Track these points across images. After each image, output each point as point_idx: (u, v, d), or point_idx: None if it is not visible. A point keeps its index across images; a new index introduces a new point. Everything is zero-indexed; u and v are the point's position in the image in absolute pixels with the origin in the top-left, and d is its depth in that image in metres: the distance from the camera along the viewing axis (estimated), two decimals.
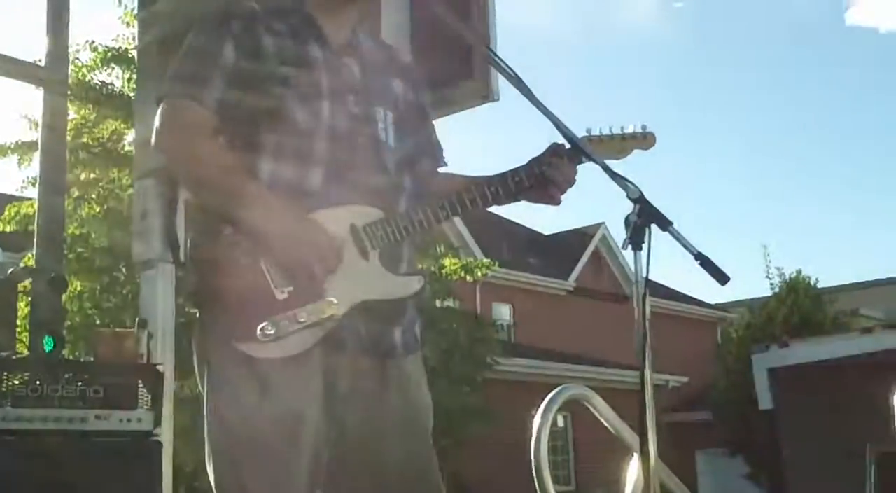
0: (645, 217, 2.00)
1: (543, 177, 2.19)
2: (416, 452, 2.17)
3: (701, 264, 1.97)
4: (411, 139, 2.31)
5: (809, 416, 9.41)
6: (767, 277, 21.60)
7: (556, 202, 2.24)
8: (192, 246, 2.05)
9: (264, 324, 1.98)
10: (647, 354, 2.01)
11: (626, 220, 2.02)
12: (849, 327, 17.62)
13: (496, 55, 2.23)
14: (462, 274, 13.20)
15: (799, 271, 21.23)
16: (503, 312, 22.33)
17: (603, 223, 25.51)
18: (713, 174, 49.54)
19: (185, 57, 2.15)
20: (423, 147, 2.36)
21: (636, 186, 2.03)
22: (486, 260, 14.29)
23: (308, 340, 2.02)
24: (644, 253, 2.01)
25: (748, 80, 46.95)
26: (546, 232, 27.57)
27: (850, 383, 8.77)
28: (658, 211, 2.01)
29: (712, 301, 29.31)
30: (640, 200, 2.01)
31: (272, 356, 2.00)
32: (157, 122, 2.11)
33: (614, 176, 2.06)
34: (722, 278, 1.97)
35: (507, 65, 2.16)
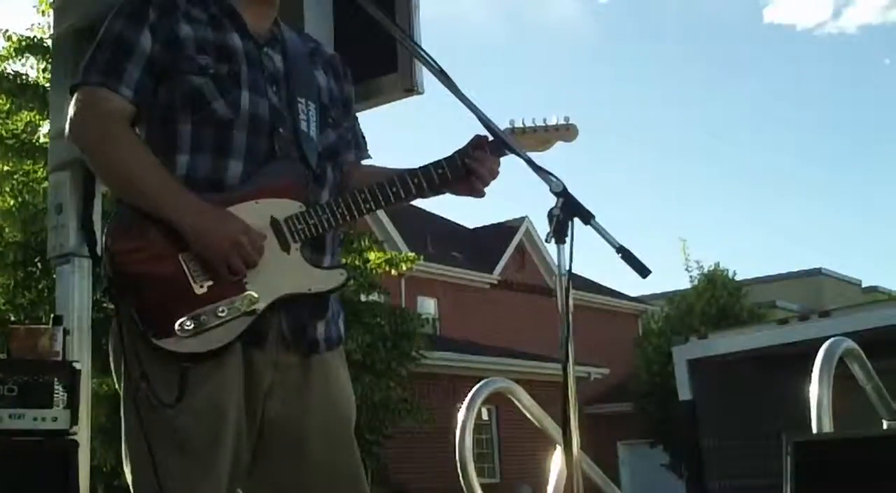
0: (567, 211, 2.00)
1: (467, 169, 2.18)
2: (341, 448, 2.15)
3: (623, 258, 1.98)
4: (334, 131, 2.28)
5: (728, 406, 9.59)
6: (686, 270, 22.03)
7: (480, 194, 2.23)
8: (108, 239, 2.00)
9: (183, 319, 1.94)
10: (569, 347, 2.01)
11: (549, 213, 2.01)
12: (766, 318, 18.02)
13: (420, 48, 2.22)
14: (386, 268, 13.20)
15: (717, 264, 21.70)
16: (428, 305, 22.36)
17: (526, 217, 25.74)
18: (633, 170, 50.23)
19: (101, 45, 2.10)
20: (346, 139, 2.34)
21: (559, 180, 2.03)
22: (410, 254, 14.30)
23: (229, 335, 1.98)
24: (567, 246, 2.01)
25: (668, 77, 47.68)
26: (470, 226, 27.70)
27: (768, 373, 8.95)
28: (580, 205, 2.01)
29: (633, 294, 29.80)
30: (562, 194, 2.01)
31: (192, 352, 1.96)
32: (70, 111, 2.05)
33: (537, 169, 2.06)
34: (643, 270, 1.99)
35: (430, 58, 2.14)
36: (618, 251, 1.98)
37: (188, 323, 1.94)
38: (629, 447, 23.81)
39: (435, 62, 2.13)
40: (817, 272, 32.15)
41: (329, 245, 2.19)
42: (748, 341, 9.70)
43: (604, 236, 1.99)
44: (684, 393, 10.25)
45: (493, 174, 2.21)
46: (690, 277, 21.92)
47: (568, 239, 2.01)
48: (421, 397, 13.53)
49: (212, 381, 1.99)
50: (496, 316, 23.19)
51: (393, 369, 12.87)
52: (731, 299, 20.67)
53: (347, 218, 2.13)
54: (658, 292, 28.47)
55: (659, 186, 50.90)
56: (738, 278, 22.09)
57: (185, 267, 1.96)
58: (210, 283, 1.97)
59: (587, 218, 2.00)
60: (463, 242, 25.41)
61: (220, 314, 1.96)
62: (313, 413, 2.12)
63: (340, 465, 2.15)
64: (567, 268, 2.02)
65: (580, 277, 26.61)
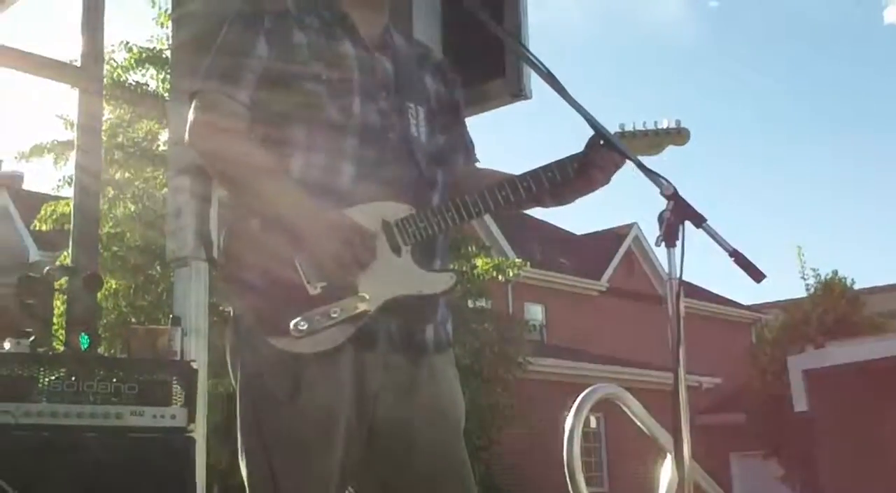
0: (678, 214, 1.97)
1: (584, 163, 2.16)
2: (448, 447, 2.16)
3: (736, 262, 1.95)
4: (443, 136, 2.30)
5: (844, 418, 9.30)
6: (802, 277, 21.39)
7: (599, 184, 2.18)
8: (225, 241, 2.06)
9: (297, 320, 1.98)
10: (680, 353, 1.98)
11: (660, 217, 1.99)
12: (886, 328, 17.42)
13: (528, 51, 2.22)
14: (494, 274, 13.21)
15: (835, 272, 21.02)
16: (535, 312, 22.29)
17: (635, 224, 25.44)
18: (747, 174, 49.12)
19: (218, 52, 2.16)
20: (455, 144, 2.35)
21: (669, 183, 2.00)
22: (518, 260, 14.29)
23: (340, 336, 2.02)
24: (678, 250, 1.99)
25: (784, 79, 46.54)
26: (578, 232, 27.50)
27: (886, 384, 8.66)
28: (692, 208, 1.98)
29: (746, 302, 29.11)
30: (673, 197, 1.98)
31: (304, 352, 2.00)
32: (190, 117, 2.12)
33: (647, 172, 2.04)
34: (757, 275, 1.95)
35: (539, 61, 2.14)
36: (731, 255, 1.94)
37: (302, 324, 1.99)
38: (742, 459, 23.23)
39: (543, 65, 2.12)
40: None
41: (439, 249, 2.20)
42: (867, 352, 9.40)
43: (716, 240, 1.96)
44: (800, 404, 10.00)
45: (613, 164, 2.17)
46: (806, 285, 21.28)
47: (679, 243, 1.98)
48: (528, 404, 13.48)
49: (324, 381, 2.03)
50: (604, 324, 22.97)
51: (500, 375, 12.87)
52: (849, 308, 19.99)
53: (457, 221, 2.14)
54: (772, 300, 27.77)
55: (773, 190, 49.72)
56: (858, 286, 21.37)
57: (299, 268, 2.01)
58: (323, 284, 2.01)
59: (699, 221, 1.97)
60: (571, 248, 25.26)
61: (332, 315, 2.00)
62: (422, 415, 2.13)
63: (449, 467, 2.16)
64: (678, 272, 2.00)
65: (691, 284, 26.14)
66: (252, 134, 2.12)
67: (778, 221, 48.43)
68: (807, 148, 48.68)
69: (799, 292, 21.79)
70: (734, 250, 1.94)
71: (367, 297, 2.04)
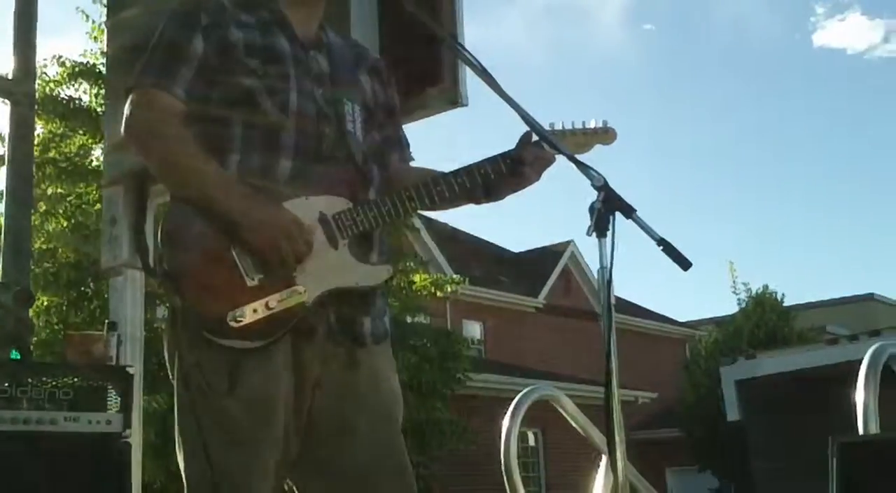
0: (609, 205, 2.03)
1: (516, 160, 2.21)
2: (387, 438, 2.18)
3: (664, 250, 2.00)
4: (379, 134, 2.34)
5: (777, 427, 9.48)
6: (734, 292, 21.76)
7: (530, 180, 2.24)
8: (162, 233, 2.07)
9: (234, 312, 2.00)
10: (612, 338, 2.03)
11: (591, 207, 2.04)
12: (814, 342, 17.78)
13: (464, 48, 2.27)
14: (432, 290, 13.25)
15: (765, 287, 21.42)
16: (474, 328, 22.34)
17: (572, 241, 25.64)
18: (678, 191, 49.94)
19: (154, 48, 2.18)
20: (390, 141, 2.39)
21: (600, 174, 2.06)
22: (456, 277, 14.34)
23: (279, 327, 2.04)
24: (608, 240, 2.04)
25: (719, 98, 47.44)
26: (515, 250, 27.69)
27: (817, 393, 8.84)
28: (622, 199, 2.03)
29: (681, 319, 29.54)
30: (604, 188, 2.04)
31: (241, 345, 2.02)
32: (126, 110, 2.13)
33: (579, 165, 2.10)
34: (684, 263, 2.01)
35: (473, 57, 2.19)
36: (658, 244, 2.00)
37: (239, 316, 2.00)
38: (678, 473, 23.50)
39: (478, 61, 2.18)
40: (869, 298, 31.64)
41: (376, 242, 2.23)
42: (798, 361, 9.60)
43: (645, 230, 2.02)
44: (732, 414, 10.16)
45: (544, 161, 2.23)
46: (738, 299, 21.67)
47: (609, 232, 2.04)
48: (466, 419, 13.51)
49: (262, 372, 2.05)
50: (542, 340, 23.11)
51: (438, 390, 12.89)
52: (780, 322, 20.40)
53: (393, 216, 2.18)
54: (706, 317, 28.24)
55: (705, 208, 50.56)
56: (788, 302, 21.80)
57: (237, 260, 2.02)
58: (261, 276, 2.03)
59: (629, 212, 2.03)
60: (508, 266, 25.40)
61: (270, 307, 2.02)
62: (360, 405, 2.15)
63: (387, 456, 2.18)
64: (609, 262, 2.05)
65: (627, 301, 26.48)
66: (188, 129, 2.13)
67: (710, 238, 49.26)
68: (739, 167, 49.67)
69: (732, 308, 22.18)
70: (661, 238, 2.00)
71: (305, 289, 2.06)
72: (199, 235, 2.04)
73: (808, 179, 51.26)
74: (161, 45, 2.18)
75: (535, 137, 2.22)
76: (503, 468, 3.74)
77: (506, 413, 3.88)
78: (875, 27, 55.03)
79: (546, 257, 26.01)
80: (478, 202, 2.33)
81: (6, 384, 3.13)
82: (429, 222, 19.18)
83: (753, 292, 21.45)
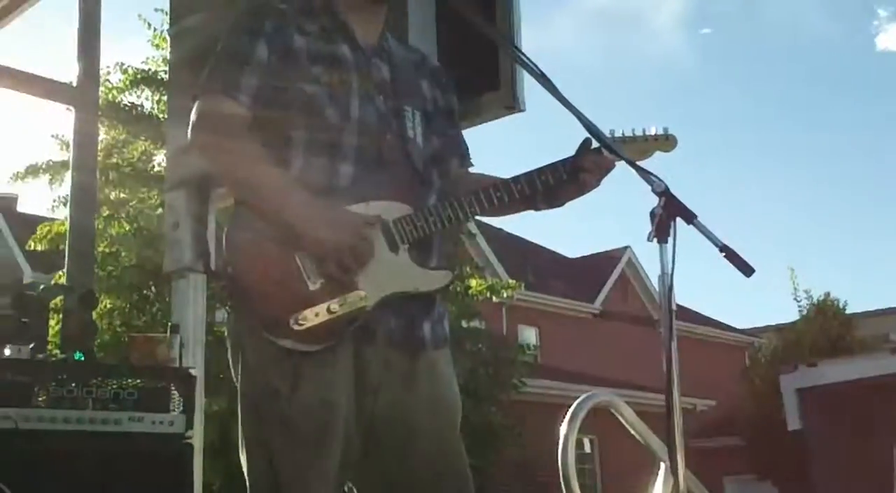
0: (669, 210, 2.02)
1: (574, 167, 2.21)
2: (447, 441, 2.20)
3: (726, 257, 1.99)
4: (439, 139, 2.35)
5: (838, 436, 9.32)
6: (795, 299, 21.45)
7: (590, 187, 2.24)
8: (225, 239, 2.11)
9: (297, 315, 2.03)
10: (672, 346, 2.02)
11: (651, 213, 2.03)
12: (877, 351, 17.44)
13: (521, 53, 2.27)
14: (488, 295, 13.22)
15: (827, 294, 21.07)
16: (529, 334, 22.29)
17: (629, 246, 25.49)
18: (742, 197, 49.29)
19: (220, 56, 2.21)
20: (450, 147, 2.41)
21: (661, 180, 2.05)
22: (511, 281, 14.31)
23: (339, 331, 2.06)
24: (669, 246, 2.03)
25: (779, 102, 46.79)
26: (571, 255, 27.56)
27: (879, 402, 8.69)
28: (683, 204, 2.02)
29: (741, 326, 29.17)
30: (664, 194, 2.03)
31: (304, 348, 2.04)
32: (192, 117, 2.17)
33: (639, 170, 2.09)
34: (747, 270, 1.99)
35: (532, 62, 2.20)
36: (721, 250, 1.99)
37: (301, 319, 2.03)
38: (737, 483, 23.18)
39: (536, 66, 2.18)
40: None
41: (435, 247, 2.25)
42: (860, 369, 9.44)
43: (707, 236, 2.00)
44: (793, 423, 10.01)
45: (605, 168, 2.23)
46: (799, 307, 21.35)
47: (670, 239, 2.03)
48: (520, 425, 13.47)
49: (323, 376, 2.07)
50: (598, 346, 22.96)
51: (494, 396, 12.88)
52: (842, 330, 20.06)
53: (453, 221, 2.19)
54: (766, 324, 27.84)
55: (766, 214, 49.88)
56: (850, 310, 21.43)
57: (299, 264, 2.05)
58: (322, 280, 2.05)
59: (690, 218, 2.02)
60: (564, 271, 25.30)
61: (332, 311, 2.04)
62: (421, 410, 2.17)
63: (447, 461, 2.19)
64: (670, 268, 2.04)
65: (686, 308, 26.21)
66: (253, 135, 2.17)
67: (771, 244, 48.57)
68: (801, 172, 48.92)
69: (792, 315, 21.86)
70: (724, 245, 1.99)
71: (366, 293, 2.08)
72: (264, 239, 2.07)
73: (871, 184, 50.32)
74: (226, 52, 2.22)
75: (594, 144, 2.22)
76: (561, 475, 3.72)
77: (562, 419, 3.87)
78: None
79: (602, 262, 25.86)
80: (537, 209, 2.34)
81: (72, 385, 3.19)
82: (484, 228, 19.18)
83: (815, 299, 21.14)
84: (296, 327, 2.02)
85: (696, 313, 27.12)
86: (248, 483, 2.11)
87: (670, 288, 2.04)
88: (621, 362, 21.98)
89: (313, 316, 2.03)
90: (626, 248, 25.58)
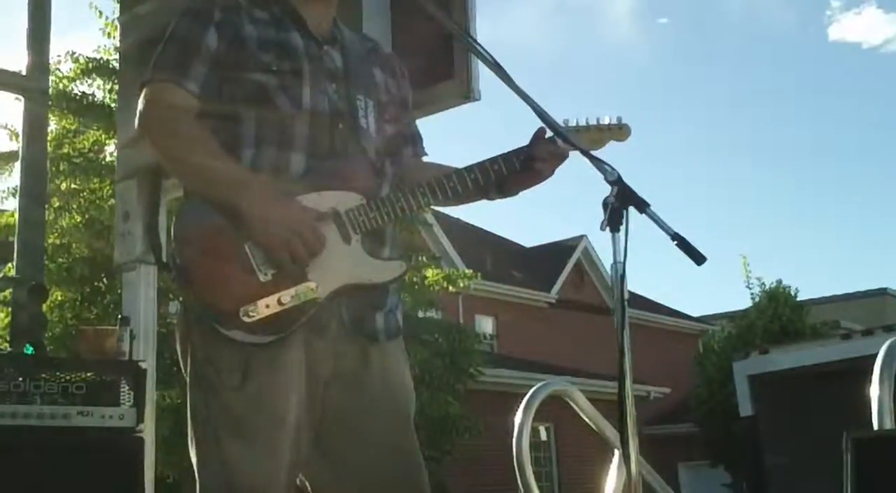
0: (622, 199, 2.02)
1: (529, 156, 2.20)
2: (399, 434, 2.19)
3: (678, 245, 1.99)
4: (392, 127, 2.34)
5: (790, 422, 9.43)
6: (747, 286, 21.65)
7: (544, 176, 2.23)
8: (175, 228, 2.07)
9: (247, 307, 2.00)
10: (625, 334, 2.03)
11: (604, 202, 2.03)
12: (828, 337, 17.67)
13: (476, 42, 2.25)
14: (444, 285, 13.23)
15: (779, 281, 21.30)
16: (486, 324, 22.35)
17: (584, 236, 25.62)
18: (694, 186, 49.80)
19: (168, 44, 2.18)
20: (403, 136, 2.39)
21: (614, 169, 2.04)
22: (468, 271, 14.32)
23: (290, 323, 2.04)
24: (622, 235, 2.03)
25: (732, 92, 47.26)
26: (527, 245, 27.66)
27: (831, 388, 8.80)
28: (635, 193, 2.02)
29: (694, 314, 29.48)
30: (617, 183, 2.03)
31: (254, 340, 2.02)
32: (139, 105, 2.13)
33: (592, 159, 2.09)
34: (699, 258, 1.99)
35: (485, 51, 2.18)
36: (673, 238, 1.98)
37: (252, 311, 2.00)
38: (690, 469, 23.47)
39: (490, 56, 2.17)
40: (882, 292, 31.50)
41: (388, 238, 2.23)
42: (811, 356, 9.53)
43: (659, 224, 2.00)
44: (745, 409, 10.09)
45: (557, 156, 2.22)
46: (751, 294, 21.54)
47: (623, 227, 2.03)
48: (477, 415, 13.51)
49: (273, 368, 2.05)
50: (554, 335, 23.09)
51: (450, 385, 12.89)
52: (793, 317, 20.30)
53: (406, 211, 2.17)
54: (719, 311, 28.16)
55: (719, 202, 50.41)
56: (802, 297, 21.69)
57: (249, 255, 2.02)
58: (273, 271, 2.03)
59: (642, 206, 2.02)
60: (520, 260, 25.39)
61: (282, 302, 2.02)
62: (373, 401, 2.16)
63: (401, 453, 2.18)
64: (622, 256, 2.04)
65: (641, 296, 26.44)
66: (201, 124, 2.14)
67: (724, 233, 49.13)
68: (754, 161, 49.50)
69: (745, 303, 22.08)
70: (676, 233, 1.98)
71: (318, 285, 2.06)
72: (213, 230, 2.04)
73: (822, 173, 51.10)
74: (174, 40, 2.18)
75: (548, 133, 2.21)
76: (515, 463, 3.73)
77: (518, 408, 3.88)
78: (891, 21, 54.77)
79: (558, 251, 25.98)
80: (490, 198, 2.33)
81: (19, 379, 3.15)
82: (441, 217, 19.18)
83: (767, 286, 21.36)
84: (246, 319, 1.99)
85: (650, 301, 27.37)
86: (197, 478, 2.08)
87: (622, 276, 2.04)
88: (578, 351, 22.12)
89: (264, 308, 2.00)
90: (581, 237, 25.71)
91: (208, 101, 2.13)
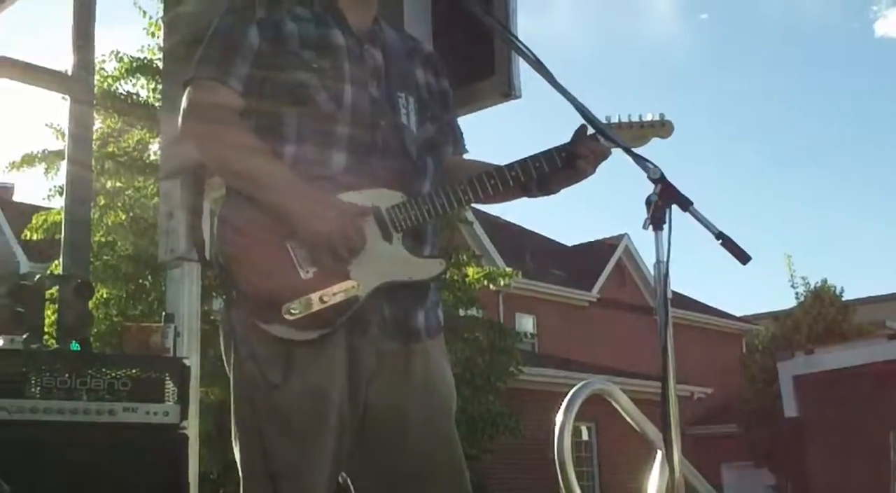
0: (665, 197, 2.00)
1: (570, 154, 2.19)
2: (440, 431, 2.18)
3: (722, 244, 1.97)
4: (433, 125, 2.33)
5: (835, 423, 9.32)
6: (792, 286, 21.45)
7: (585, 174, 2.22)
8: (217, 227, 2.08)
9: (289, 304, 2.01)
10: (668, 332, 2.01)
11: (647, 200, 2.01)
12: (874, 337, 17.43)
13: (517, 39, 2.25)
14: (485, 283, 13.21)
15: (824, 281, 21.07)
16: (526, 322, 22.30)
17: (626, 234, 25.48)
18: (738, 183, 49.30)
19: (211, 41, 2.19)
20: (444, 133, 2.38)
21: (656, 167, 2.03)
22: (509, 270, 14.30)
23: (332, 320, 2.04)
24: (665, 233, 2.01)
25: (776, 89, 46.75)
26: (569, 243, 27.56)
27: (876, 389, 8.69)
28: (678, 191, 2.00)
29: (738, 313, 29.19)
30: (660, 181, 2.01)
31: (296, 337, 2.03)
32: (183, 103, 2.14)
33: (635, 157, 2.07)
34: (743, 257, 1.97)
35: (527, 48, 2.17)
36: (717, 238, 1.97)
37: (294, 308, 2.01)
38: (734, 469, 23.25)
39: (532, 53, 2.16)
40: None
41: (429, 235, 2.23)
42: (857, 356, 9.43)
43: (703, 223, 1.99)
44: (790, 410, 10.01)
45: (600, 154, 2.20)
46: (796, 293, 21.36)
47: (666, 226, 2.01)
48: (518, 413, 13.49)
49: (315, 365, 2.05)
50: (595, 334, 22.99)
51: (491, 384, 12.88)
52: (839, 316, 20.07)
53: (447, 208, 2.17)
54: (764, 311, 27.87)
55: (764, 200, 49.87)
56: (847, 297, 21.44)
57: (291, 253, 2.03)
58: (315, 269, 2.03)
59: (686, 205, 2.00)
60: (562, 259, 25.29)
61: (324, 300, 2.03)
62: (415, 400, 2.16)
63: (442, 450, 2.18)
64: (665, 255, 2.03)
65: (683, 295, 26.24)
66: (245, 121, 2.15)
67: (768, 231, 48.60)
68: (799, 159, 48.90)
69: (789, 302, 21.87)
70: (720, 232, 1.97)
71: (359, 282, 2.06)
72: (255, 227, 2.05)
73: (868, 170, 50.35)
74: (217, 38, 2.19)
75: (590, 130, 2.20)
76: (556, 462, 3.71)
77: (559, 407, 3.86)
78: None
79: (600, 250, 25.86)
80: (532, 196, 2.32)
81: (66, 376, 3.18)
82: (482, 215, 19.16)
83: (812, 286, 21.14)
84: (287, 317, 2.00)
85: (694, 300, 27.14)
86: (240, 474, 2.09)
87: (666, 275, 2.02)
88: (618, 350, 22.01)
89: (306, 305, 2.01)
90: (623, 235, 25.56)
91: (251, 99, 2.14)
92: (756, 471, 20.42)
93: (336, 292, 2.04)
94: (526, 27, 3.62)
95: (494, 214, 21.38)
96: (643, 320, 22.62)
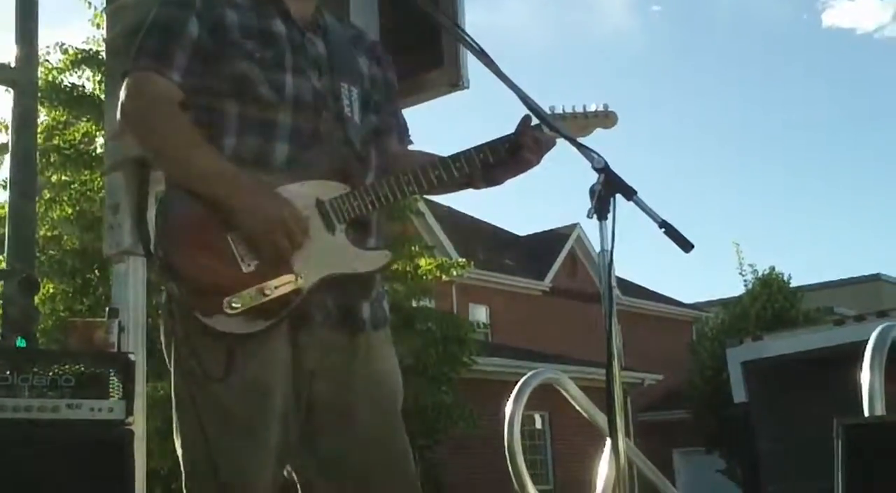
0: (609, 187, 2.01)
1: (515, 144, 2.18)
2: (386, 423, 2.17)
3: (665, 233, 1.98)
4: (376, 116, 2.32)
5: (784, 408, 9.44)
6: (740, 273, 21.70)
7: (530, 165, 2.21)
8: (158, 219, 2.05)
9: (230, 298, 1.98)
10: (613, 322, 2.02)
11: (591, 190, 2.02)
12: (821, 323, 17.68)
13: (463, 31, 2.24)
14: (438, 274, 13.23)
15: (772, 268, 21.34)
16: (480, 312, 22.35)
17: (578, 224, 25.59)
18: (686, 172, 49.79)
19: (149, 32, 2.15)
20: (388, 124, 2.37)
21: (601, 156, 2.03)
22: (461, 260, 14.32)
23: (275, 313, 2.02)
24: (609, 223, 2.02)
25: (728, 79, 47.23)
26: (521, 233, 27.65)
27: (824, 374, 8.80)
28: (622, 181, 2.01)
29: (688, 301, 29.50)
30: (604, 170, 2.02)
31: (237, 330, 2.00)
32: (122, 95, 2.10)
33: (579, 147, 2.08)
34: (686, 245, 1.99)
35: (472, 39, 2.17)
36: (660, 226, 1.98)
37: (235, 302, 1.99)
38: (685, 455, 23.54)
39: (476, 44, 2.15)
40: (875, 278, 31.57)
41: (374, 227, 2.22)
42: (804, 342, 9.54)
43: (646, 212, 2.00)
44: (739, 395, 10.10)
45: (543, 144, 2.20)
46: (745, 280, 21.59)
47: (610, 215, 2.02)
48: (472, 403, 13.53)
49: (258, 359, 2.03)
50: (548, 323, 23.09)
51: (444, 374, 12.90)
52: (786, 303, 20.33)
53: (391, 200, 2.16)
54: (713, 298, 28.20)
55: (711, 190, 50.43)
56: (795, 283, 21.73)
57: (232, 246, 2.00)
58: (257, 262, 2.01)
59: (629, 194, 2.01)
60: (514, 249, 25.37)
61: (266, 293, 2.00)
62: (360, 392, 2.14)
63: (388, 442, 2.17)
64: (609, 245, 2.03)
65: (633, 283, 26.46)
66: (184, 113, 2.11)
67: (718, 220, 49.16)
68: (747, 148, 49.52)
69: (738, 290, 22.12)
70: (663, 220, 1.98)
71: (302, 275, 2.04)
72: (195, 221, 2.02)
73: (815, 159, 51.13)
74: (156, 28, 2.15)
75: (535, 121, 2.19)
76: (506, 451, 3.73)
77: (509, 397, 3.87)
78: (885, 6, 54.57)
79: (552, 240, 25.96)
80: (477, 187, 2.31)
81: (7, 372, 3.12)
82: (434, 206, 19.15)
83: (760, 273, 21.39)
84: (229, 311, 1.97)
85: (644, 288, 27.39)
86: (183, 469, 2.07)
87: (610, 264, 2.03)
88: (572, 339, 22.12)
89: (247, 299, 1.99)
90: (575, 225, 25.67)
91: (190, 89, 2.10)
92: (706, 456, 20.66)
93: (278, 286, 2.02)
94: (480, 20, 3.64)
95: (446, 204, 21.39)
96: (596, 309, 22.43)
